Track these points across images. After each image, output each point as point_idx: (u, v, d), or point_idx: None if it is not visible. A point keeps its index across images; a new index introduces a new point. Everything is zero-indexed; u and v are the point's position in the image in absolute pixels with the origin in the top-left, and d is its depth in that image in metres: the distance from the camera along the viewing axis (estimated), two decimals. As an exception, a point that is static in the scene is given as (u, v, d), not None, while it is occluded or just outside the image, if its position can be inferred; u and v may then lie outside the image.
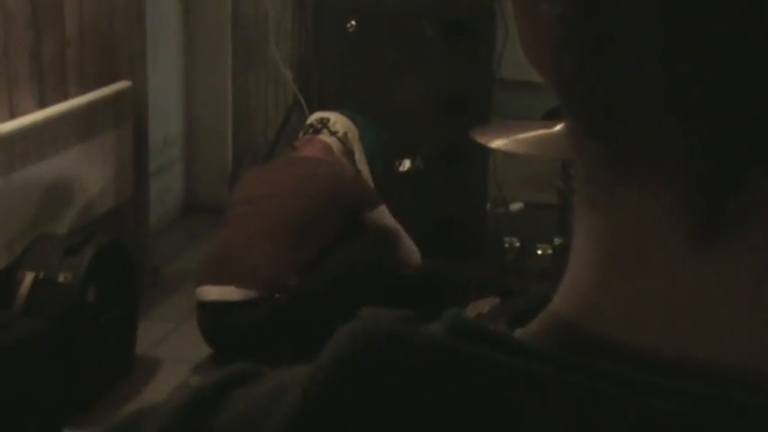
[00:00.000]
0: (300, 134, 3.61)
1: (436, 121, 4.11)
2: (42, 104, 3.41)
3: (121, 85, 3.86)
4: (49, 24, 3.43)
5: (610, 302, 0.34)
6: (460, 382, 0.33)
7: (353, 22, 4.11)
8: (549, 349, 0.33)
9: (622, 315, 0.34)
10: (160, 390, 3.40)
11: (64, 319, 3.05)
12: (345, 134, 3.41)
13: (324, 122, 3.46)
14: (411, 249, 3.44)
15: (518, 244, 3.91)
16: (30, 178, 3.32)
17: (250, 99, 5.04)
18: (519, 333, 0.37)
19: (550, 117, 2.96)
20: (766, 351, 0.32)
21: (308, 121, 3.54)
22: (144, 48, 4.04)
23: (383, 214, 3.34)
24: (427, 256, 4.17)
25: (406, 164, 4.11)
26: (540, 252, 3.77)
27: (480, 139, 2.91)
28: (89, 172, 3.69)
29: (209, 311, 3.06)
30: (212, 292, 3.03)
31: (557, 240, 3.63)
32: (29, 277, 3.09)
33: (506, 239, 3.93)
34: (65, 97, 3.54)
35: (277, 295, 3.01)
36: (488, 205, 4.25)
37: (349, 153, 3.40)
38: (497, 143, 2.83)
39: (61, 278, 3.10)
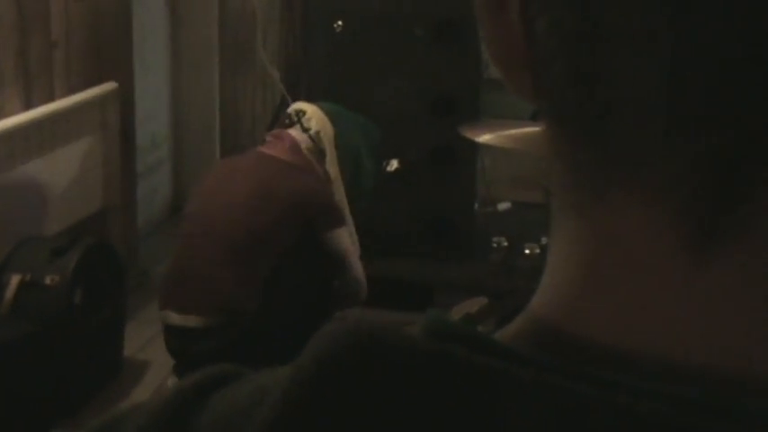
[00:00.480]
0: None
1: (424, 121, 4.11)
2: (29, 106, 3.40)
3: (108, 86, 3.85)
4: (36, 26, 3.42)
5: (594, 306, 0.34)
6: (440, 383, 0.32)
7: (341, 23, 4.11)
8: (528, 351, 0.33)
9: (608, 318, 0.34)
10: (148, 392, 3.39)
11: (51, 322, 3.04)
12: (318, 133, 3.18)
13: (299, 115, 3.24)
14: (355, 282, 3.16)
15: (506, 243, 3.92)
16: (16, 180, 3.30)
17: (237, 100, 5.03)
18: (498, 335, 0.36)
19: (538, 117, 2.96)
20: (763, 356, 0.32)
21: (288, 110, 3.35)
22: (131, 49, 4.03)
23: (339, 238, 3.11)
24: (415, 255, 4.18)
25: (394, 164, 4.11)
26: (527, 251, 3.77)
27: (468, 135, 2.92)
28: (76, 173, 3.68)
29: (174, 335, 3.03)
30: (175, 319, 2.99)
31: (544, 240, 3.63)
32: (15, 279, 3.08)
33: (494, 239, 3.94)
34: (51, 99, 3.53)
35: (237, 319, 2.96)
36: (476, 205, 4.25)
37: (319, 153, 3.19)
38: (485, 138, 2.83)
39: (48, 280, 3.09)
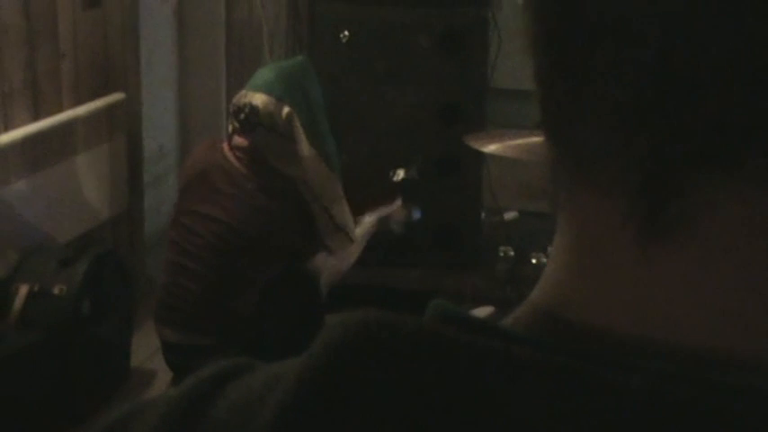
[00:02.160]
0: (233, 123, 2.97)
1: (430, 130, 4.12)
2: (37, 117, 3.41)
3: (115, 97, 3.86)
4: (44, 37, 3.43)
5: (577, 291, 0.37)
6: (447, 364, 0.34)
7: (347, 33, 4.12)
8: (525, 333, 0.36)
9: (588, 302, 0.36)
10: (155, 401, 3.40)
11: (58, 332, 3.05)
12: (286, 122, 2.80)
13: (255, 114, 2.82)
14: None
15: (512, 253, 3.92)
16: (24, 190, 3.31)
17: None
18: (501, 322, 0.39)
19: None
20: (716, 331, 0.34)
21: (237, 106, 2.91)
22: (137, 60, 4.04)
23: (319, 265, 2.96)
24: (421, 265, 4.18)
25: (401, 173, 4.11)
26: (534, 261, 3.77)
27: (474, 145, 2.92)
28: (83, 184, 3.69)
29: (172, 351, 3.03)
30: (171, 336, 2.98)
31: (551, 249, 3.63)
32: (23, 289, 3.09)
33: (501, 248, 3.94)
34: (59, 110, 3.54)
35: (231, 340, 2.94)
36: (483, 214, 4.25)
37: (289, 147, 2.82)
38: (491, 148, 2.83)
39: (56, 290, 3.10)
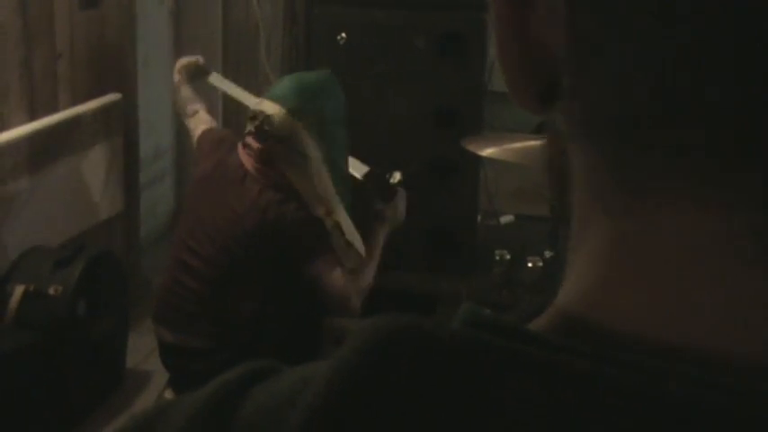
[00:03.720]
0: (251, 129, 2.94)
1: (427, 133, 4.12)
2: (33, 117, 3.41)
3: (111, 97, 3.86)
4: (40, 37, 3.43)
5: (631, 300, 0.35)
6: (480, 369, 0.34)
7: (344, 35, 4.12)
8: (564, 340, 0.35)
9: (645, 312, 0.35)
10: (150, 402, 3.39)
11: (54, 332, 3.04)
12: (296, 136, 2.81)
13: (268, 123, 2.83)
14: (339, 299, 2.89)
15: (509, 257, 3.91)
16: (20, 190, 3.31)
17: (240, 111, 5.04)
18: (531, 326, 0.38)
19: (542, 130, 2.96)
20: None
21: (253, 112, 2.91)
22: (134, 60, 4.04)
23: (325, 272, 2.85)
24: (417, 268, 4.18)
25: (397, 176, 4.11)
26: (530, 265, 3.77)
27: (471, 148, 2.91)
28: (79, 184, 3.69)
29: (169, 352, 3.01)
30: (169, 337, 2.98)
31: (547, 253, 3.63)
32: (19, 290, 3.08)
33: (497, 252, 3.93)
34: (55, 110, 3.54)
35: (230, 343, 2.94)
36: (479, 218, 4.25)
37: (298, 159, 2.84)
38: (489, 152, 2.82)
39: (51, 291, 3.10)
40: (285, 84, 3.00)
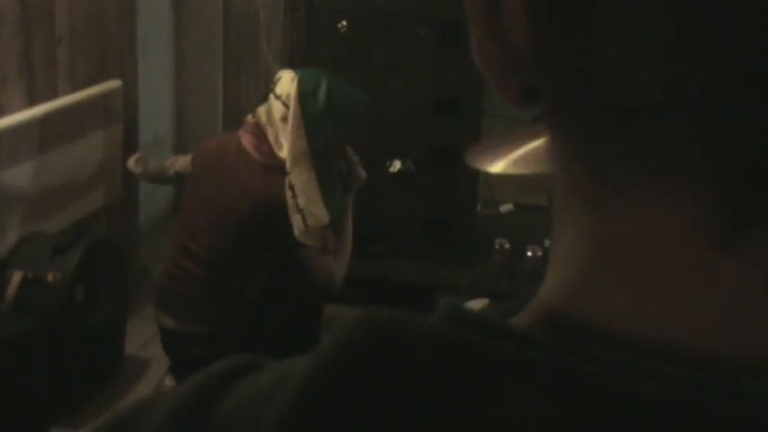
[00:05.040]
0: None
1: (427, 122, 4.12)
2: (32, 103, 3.40)
3: (112, 84, 3.86)
4: (40, 23, 3.42)
5: (608, 294, 0.35)
6: (457, 365, 0.34)
7: (345, 23, 4.11)
8: (542, 336, 0.35)
9: (622, 306, 0.35)
10: (149, 390, 3.40)
11: (52, 319, 3.04)
12: (288, 95, 2.83)
13: (275, 83, 2.91)
14: (324, 280, 2.93)
15: (508, 246, 3.92)
16: (19, 177, 3.31)
17: (241, 99, 5.04)
18: (511, 321, 0.38)
19: (541, 120, 2.95)
20: (759, 338, 0.33)
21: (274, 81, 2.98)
22: (134, 47, 4.03)
23: (313, 253, 2.90)
24: (416, 257, 4.18)
25: (397, 165, 4.11)
26: (530, 254, 3.77)
27: (478, 165, 2.90)
28: (79, 171, 3.69)
29: (170, 338, 3.01)
30: (170, 323, 2.97)
31: (547, 242, 3.63)
32: (17, 276, 3.08)
33: (496, 241, 3.94)
34: (55, 96, 3.53)
35: (231, 328, 2.94)
36: (478, 207, 4.25)
37: (283, 127, 2.86)
38: (496, 167, 2.81)
39: (50, 277, 3.10)
40: (314, 70, 3.04)
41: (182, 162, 3.18)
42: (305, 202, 2.84)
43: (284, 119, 2.84)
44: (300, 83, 2.85)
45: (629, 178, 0.34)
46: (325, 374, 0.35)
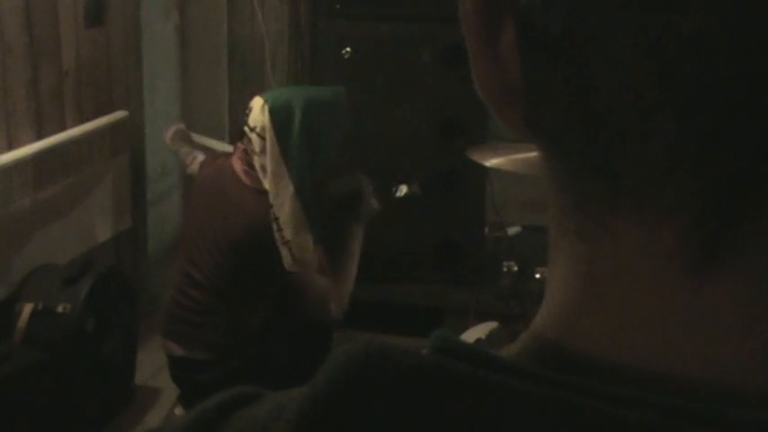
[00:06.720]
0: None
1: (432, 145, 4.13)
2: (40, 135, 3.42)
3: (118, 115, 3.88)
4: (47, 56, 3.45)
5: (594, 323, 0.36)
6: (445, 397, 0.34)
7: (349, 49, 4.13)
8: (530, 366, 0.35)
9: (608, 335, 0.36)
10: (159, 419, 3.40)
11: (63, 350, 3.05)
12: (263, 128, 2.80)
13: (247, 114, 2.87)
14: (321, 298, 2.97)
15: (516, 268, 3.91)
16: (28, 209, 3.32)
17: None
18: (502, 352, 0.39)
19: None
20: (758, 369, 0.33)
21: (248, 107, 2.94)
22: (140, 78, 4.06)
23: (299, 279, 2.94)
24: (425, 280, 4.18)
25: (403, 189, 4.12)
26: (538, 276, 3.76)
27: (476, 158, 2.90)
28: (87, 202, 3.70)
29: (178, 365, 3.01)
30: (177, 350, 2.98)
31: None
32: (28, 308, 3.09)
33: (505, 263, 3.93)
34: (62, 128, 3.55)
35: (237, 354, 2.94)
36: (486, 229, 4.25)
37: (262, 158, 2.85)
38: (494, 162, 2.81)
39: (60, 308, 3.10)
40: (283, 89, 3.03)
41: (196, 166, 3.24)
42: (290, 234, 2.85)
43: (263, 151, 2.83)
44: (272, 114, 2.81)
45: (611, 210, 0.35)
46: (318, 408, 0.35)
